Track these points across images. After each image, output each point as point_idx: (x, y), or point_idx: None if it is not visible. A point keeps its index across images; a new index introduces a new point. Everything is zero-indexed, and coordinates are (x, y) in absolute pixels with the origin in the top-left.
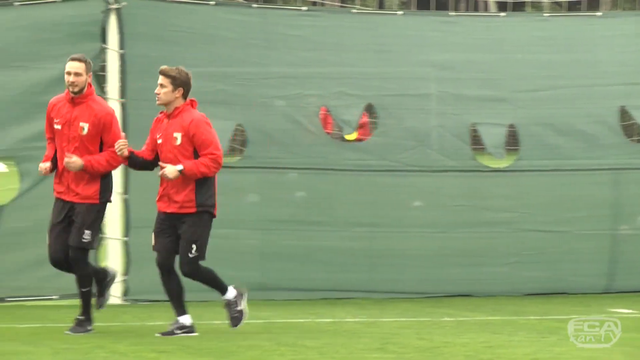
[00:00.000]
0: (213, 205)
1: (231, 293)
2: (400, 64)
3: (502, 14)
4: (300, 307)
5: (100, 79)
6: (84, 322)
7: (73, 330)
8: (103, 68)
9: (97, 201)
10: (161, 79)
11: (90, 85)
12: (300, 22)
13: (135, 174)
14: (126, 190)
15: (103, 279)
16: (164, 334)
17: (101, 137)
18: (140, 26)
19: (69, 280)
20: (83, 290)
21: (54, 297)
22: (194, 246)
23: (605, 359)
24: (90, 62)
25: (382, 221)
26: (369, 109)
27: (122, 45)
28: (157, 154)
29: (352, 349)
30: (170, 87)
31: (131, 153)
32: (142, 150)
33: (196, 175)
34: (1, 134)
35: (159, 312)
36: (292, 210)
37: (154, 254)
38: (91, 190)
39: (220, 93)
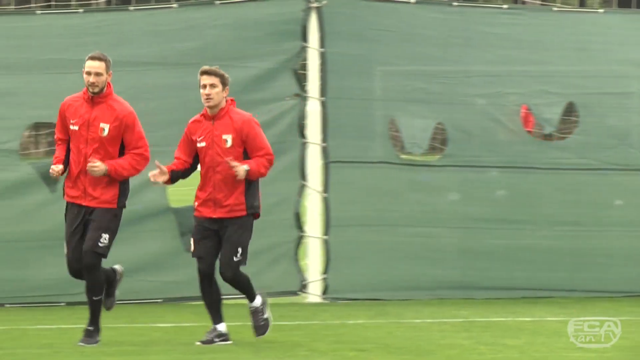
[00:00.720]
0: (259, 207)
1: (258, 300)
2: (601, 62)
3: None
4: (500, 305)
5: (300, 77)
6: (93, 332)
7: (84, 341)
8: (304, 66)
9: (115, 206)
10: (210, 79)
11: (109, 84)
12: (501, 20)
13: (336, 172)
14: (326, 189)
15: (112, 279)
16: (203, 342)
17: (122, 137)
18: (341, 24)
19: (270, 278)
20: (94, 298)
21: None
22: (239, 250)
23: None
24: (110, 60)
25: (584, 220)
26: (570, 108)
27: (322, 43)
28: (194, 158)
29: (553, 348)
30: (220, 87)
31: (171, 171)
32: (175, 162)
33: (256, 176)
34: None
35: (358, 311)
36: (493, 208)
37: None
38: (109, 194)
39: (420, 91)
